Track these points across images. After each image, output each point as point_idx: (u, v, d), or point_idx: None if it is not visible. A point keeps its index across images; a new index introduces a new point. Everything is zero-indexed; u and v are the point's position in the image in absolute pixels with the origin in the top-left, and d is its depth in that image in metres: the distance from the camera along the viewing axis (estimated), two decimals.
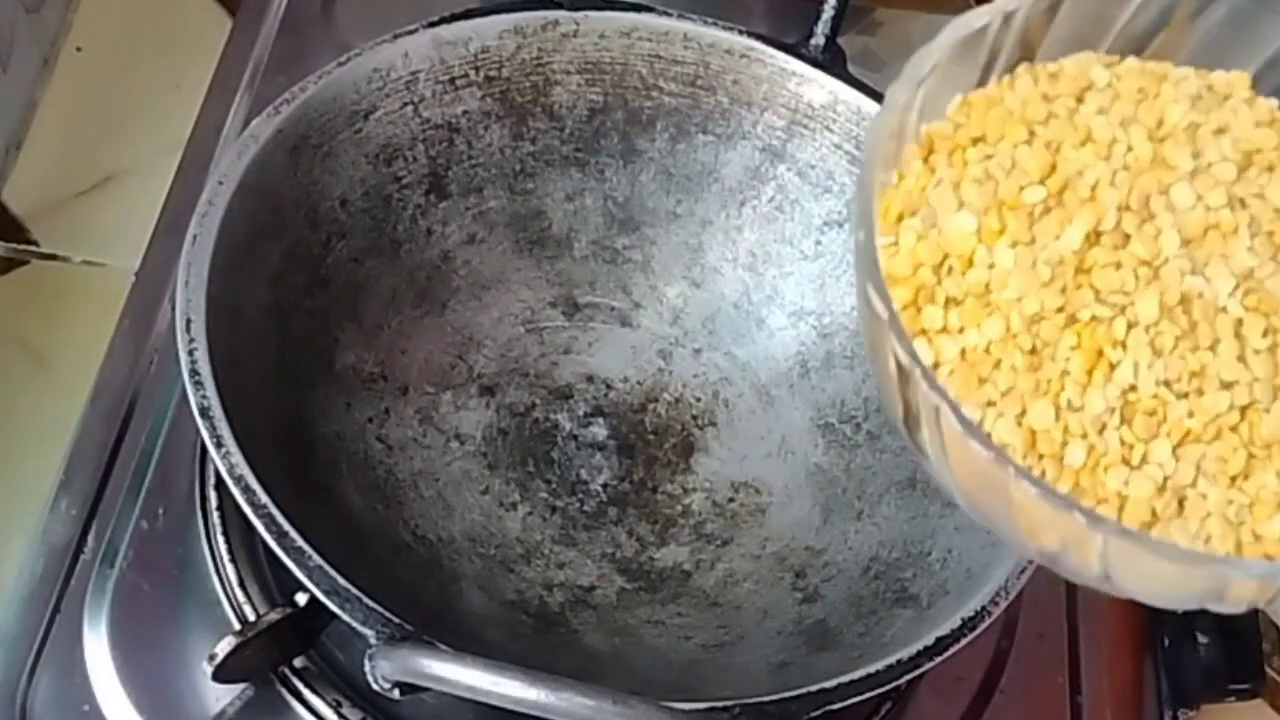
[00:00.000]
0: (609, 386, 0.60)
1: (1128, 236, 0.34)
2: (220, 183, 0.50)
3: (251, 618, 0.52)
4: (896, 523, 0.54)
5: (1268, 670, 0.60)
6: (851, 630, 0.51)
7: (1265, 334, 0.34)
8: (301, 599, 0.48)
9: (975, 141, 0.35)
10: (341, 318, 0.56)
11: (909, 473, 0.55)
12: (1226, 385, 0.33)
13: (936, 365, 0.33)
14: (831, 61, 0.58)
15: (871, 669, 0.45)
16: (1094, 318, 0.33)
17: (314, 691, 0.51)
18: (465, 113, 0.58)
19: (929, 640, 0.45)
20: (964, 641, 0.46)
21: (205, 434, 0.45)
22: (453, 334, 0.60)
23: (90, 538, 0.55)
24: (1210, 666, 0.58)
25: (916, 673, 0.45)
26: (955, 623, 0.46)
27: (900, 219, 0.34)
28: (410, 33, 0.56)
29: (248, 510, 0.44)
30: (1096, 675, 0.58)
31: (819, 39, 0.58)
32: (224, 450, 0.45)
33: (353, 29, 0.70)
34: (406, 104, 0.56)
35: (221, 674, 0.48)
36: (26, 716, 0.52)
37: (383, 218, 0.58)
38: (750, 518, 0.57)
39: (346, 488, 0.54)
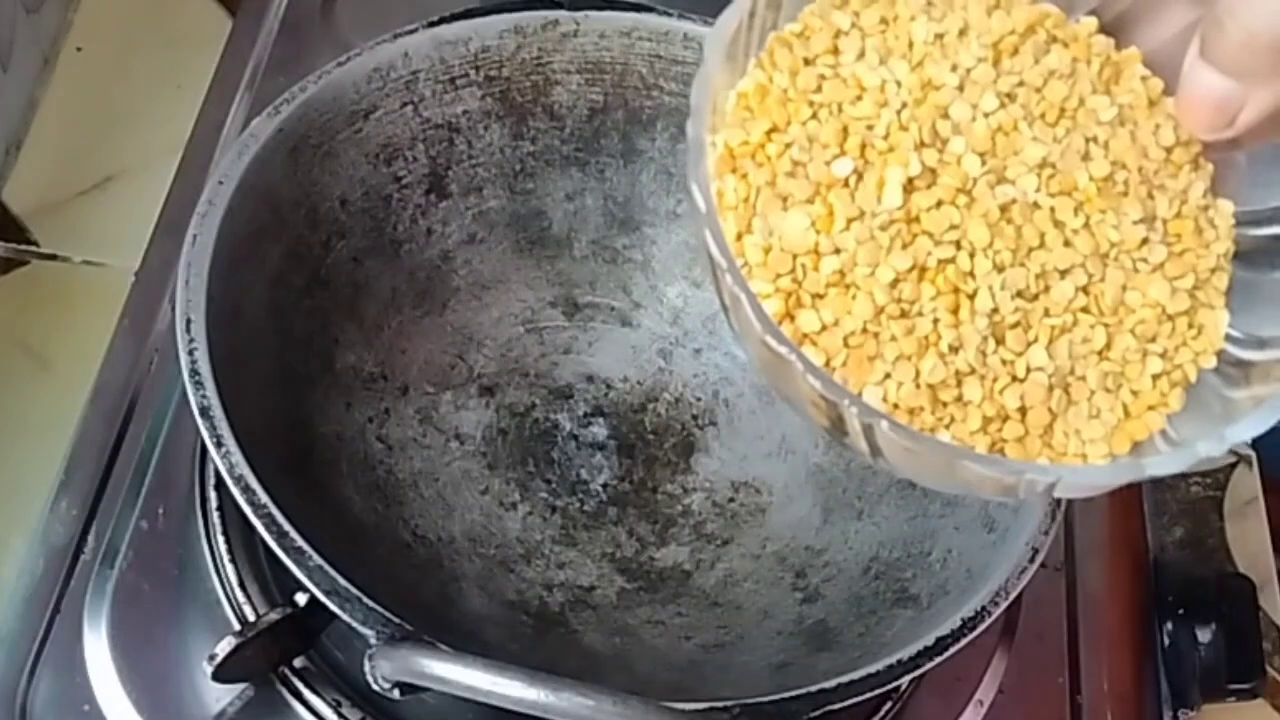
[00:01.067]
0: (609, 386, 0.60)
1: (934, 172, 0.36)
2: (220, 183, 0.50)
3: (251, 618, 0.52)
4: (896, 523, 0.54)
5: (1268, 670, 0.60)
6: (851, 630, 0.51)
7: (1076, 212, 0.37)
8: (301, 599, 0.48)
9: (769, 135, 0.36)
10: (341, 318, 0.56)
11: None
12: (1064, 273, 0.37)
13: (829, 363, 0.35)
14: None
15: (871, 669, 0.45)
16: (940, 261, 0.36)
17: (314, 691, 0.51)
18: (465, 112, 0.58)
19: (929, 640, 0.45)
20: (964, 641, 0.45)
21: (205, 434, 0.45)
22: (453, 334, 0.60)
23: (90, 538, 0.56)
24: (1210, 666, 0.58)
25: (916, 673, 0.45)
26: (955, 623, 0.46)
27: (740, 238, 0.36)
28: (410, 32, 0.56)
29: (248, 510, 0.44)
30: (1096, 675, 0.58)
31: None
32: (224, 450, 0.45)
33: (353, 29, 0.70)
34: (406, 104, 0.56)
35: (221, 674, 0.48)
36: (26, 716, 0.52)
37: (383, 218, 0.58)
38: (750, 517, 0.57)
39: (346, 488, 0.54)
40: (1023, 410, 0.36)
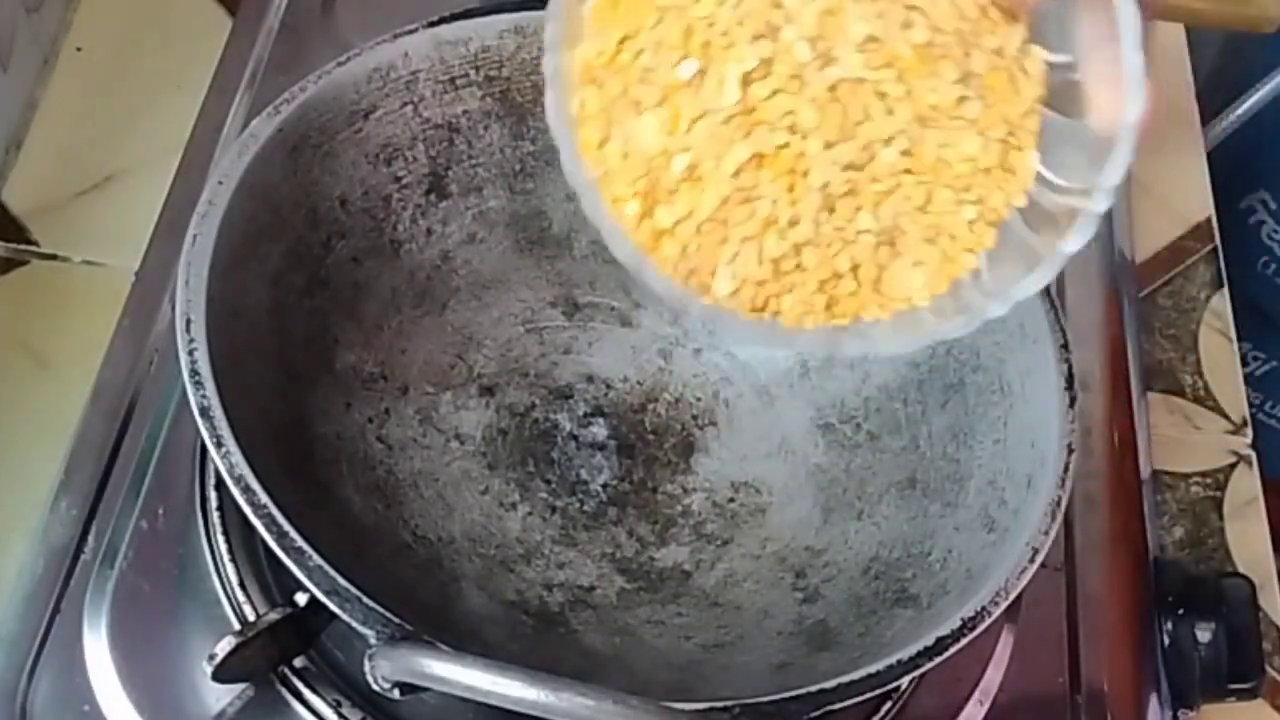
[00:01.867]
0: (609, 386, 0.60)
1: (769, 62, 0.38)
2: (220, 183, 0.50)
3: (251, 618, 0.52)
4: (896, 523, 0.54)
5: (1268, 670, 0.60)
6: (851, 630, 0.51)
7: (898, 81, 0.39)
8: (301, 599, 0.48)
9: (622, 43, 0.39)
10: (341, 318, 0.56)
11: (909, 473, 0.55)
12: (888, 142, 0.39)
13: (685, 250, 0.39)
14: None
15: (871, 669, 0.45)
16: (776, 146, 0.38)
17: (314, 691, 0.51)
18: (465, 112, 0.58)
19: (929, 640, 0.45)
20: (964, 641, 0.45)
21: (205, 434, 0.45)
22: (453, 334, 0.60)
23: (90, 538, 0.56)
24: (1210, 666, 0.58)
25: (916, 673, 0.45)
26: (955, 623, 0.46)
27: (601, 146, 0.39)
28: (410, 32, 0.56)
29: (248, 510, 0.44)
30: (1096, 675, 0.58)
31: None
32: (224, 450, 0.45)
33: (353, 29, 0.70)
34: (406, 104, 0.56)
35: (221, 674, 0.48)
36: (26, 716, 0.52)
37: (383, 218, 0.58)
38: (750, 518, 0.57)
39: (346, 488, 0.54)
40: (855, 268, 0.40)
